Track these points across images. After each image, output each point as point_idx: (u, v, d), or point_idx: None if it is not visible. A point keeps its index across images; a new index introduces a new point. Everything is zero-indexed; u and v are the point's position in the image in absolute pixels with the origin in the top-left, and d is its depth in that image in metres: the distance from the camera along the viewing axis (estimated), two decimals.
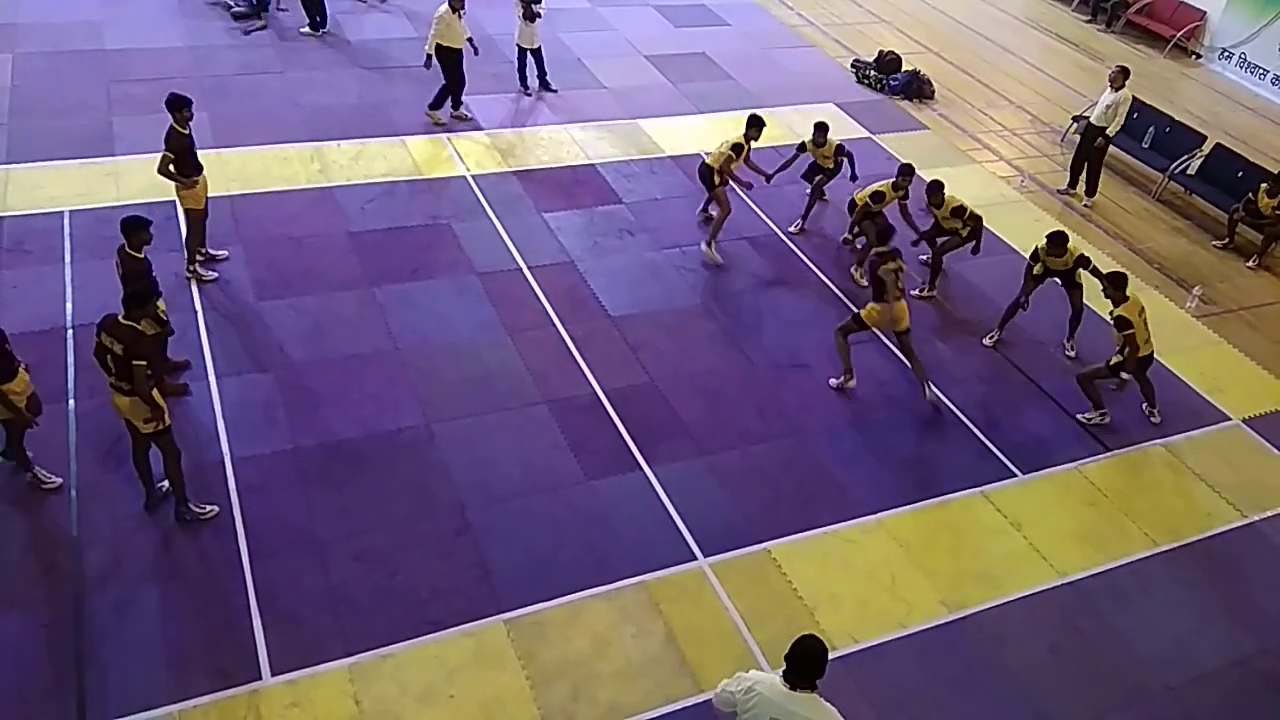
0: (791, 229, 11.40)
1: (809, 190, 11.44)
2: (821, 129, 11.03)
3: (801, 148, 11.17)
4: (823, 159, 11.22)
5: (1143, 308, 8.72)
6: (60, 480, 7.26)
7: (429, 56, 12.20)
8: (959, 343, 9.94)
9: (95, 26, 13.90)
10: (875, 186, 10.39)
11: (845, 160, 11.22)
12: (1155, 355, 8.89)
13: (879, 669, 6.73)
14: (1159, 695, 6.82)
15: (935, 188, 10.14)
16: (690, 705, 6.32)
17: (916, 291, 10.44)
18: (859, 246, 10.80)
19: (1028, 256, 9.66)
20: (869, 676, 6.66)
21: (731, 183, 10.70)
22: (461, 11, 12.11)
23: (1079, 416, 9.14)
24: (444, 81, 12.46)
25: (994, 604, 7.29)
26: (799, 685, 4.46)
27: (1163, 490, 8.52)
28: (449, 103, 12.66)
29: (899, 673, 6.72)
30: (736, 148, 10.42)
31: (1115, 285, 8.62)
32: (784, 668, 4.50)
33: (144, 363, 6.47)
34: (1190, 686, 6.90)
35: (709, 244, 10.69)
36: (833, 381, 9.12)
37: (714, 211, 10.89)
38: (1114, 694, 6.79)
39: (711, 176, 10.52)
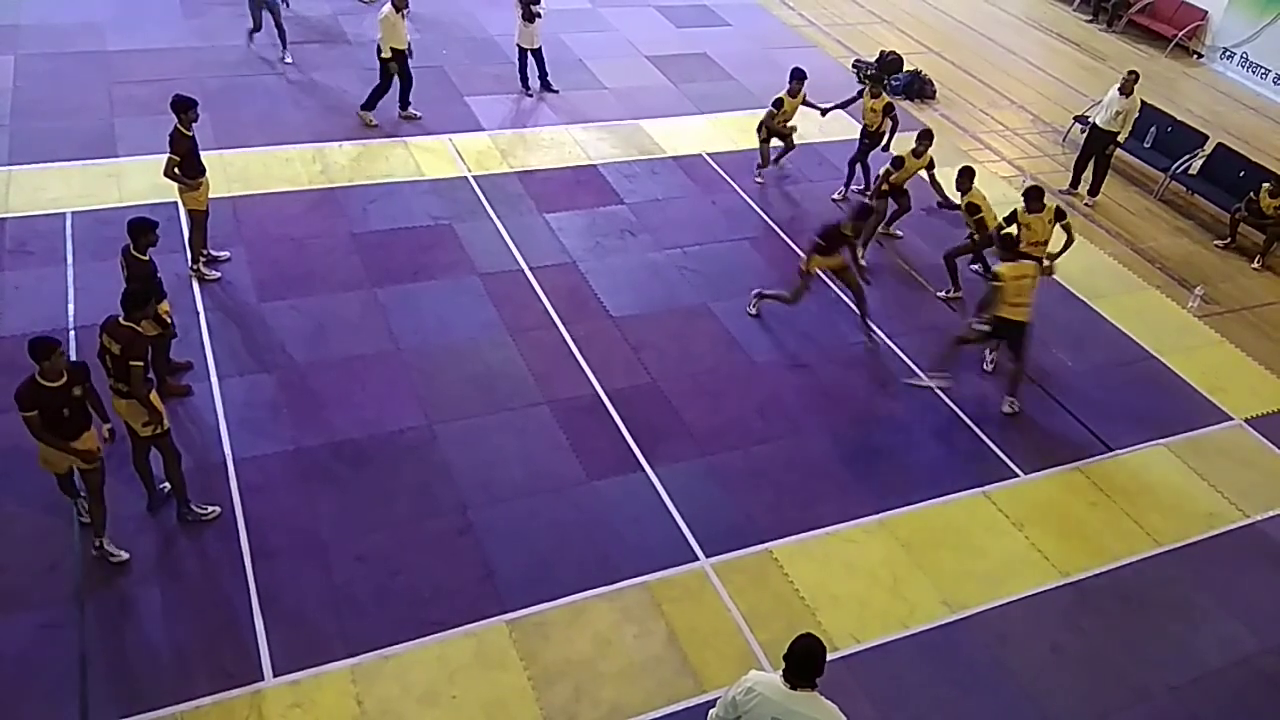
0: (835, 195, 11.94)
1: (851, 157, 11.96)
2: (878, 80, 11.65)
3: (861, 93, 11.72)
4: (870, 111, 11.58)
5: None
6: (128, 554, 6.83)
7: (386, 61, 11.99)
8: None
9: (97, 28, 13.91)
10: (894, 153, 10.77)
11: (890, 123, 11.58)
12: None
13: (881, 669, 6.73)
14: (1161, 695, 6.81)
15: (963, 173, 10.16)
16: (692, 705, 6.31)
17: (943, 294, 10.49)
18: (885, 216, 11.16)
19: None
20: (871, 676, 6.65)
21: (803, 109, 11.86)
22: (406, 11, 11.96)
23: (910, 381, 9.25)
24: (379, 82, 12.26)
25: (996, 604, 7.29)
26: (799, 684, 4.46)
27: (1165, 490, 8.52)
28: (381, 102, 12.44)
29: (901, 673, 6.71)
30: (777, 102, 11.60)
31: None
32: (783, 667, 4.50)
33: (141, 364, 6.46)
34: (1192, 686, 6.89)
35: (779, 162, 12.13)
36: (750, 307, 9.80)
37: (787, 161, 12.27)
38: (1116, 694, 6.78)
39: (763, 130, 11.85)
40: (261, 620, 6.54)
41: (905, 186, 10.81)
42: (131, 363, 6.43)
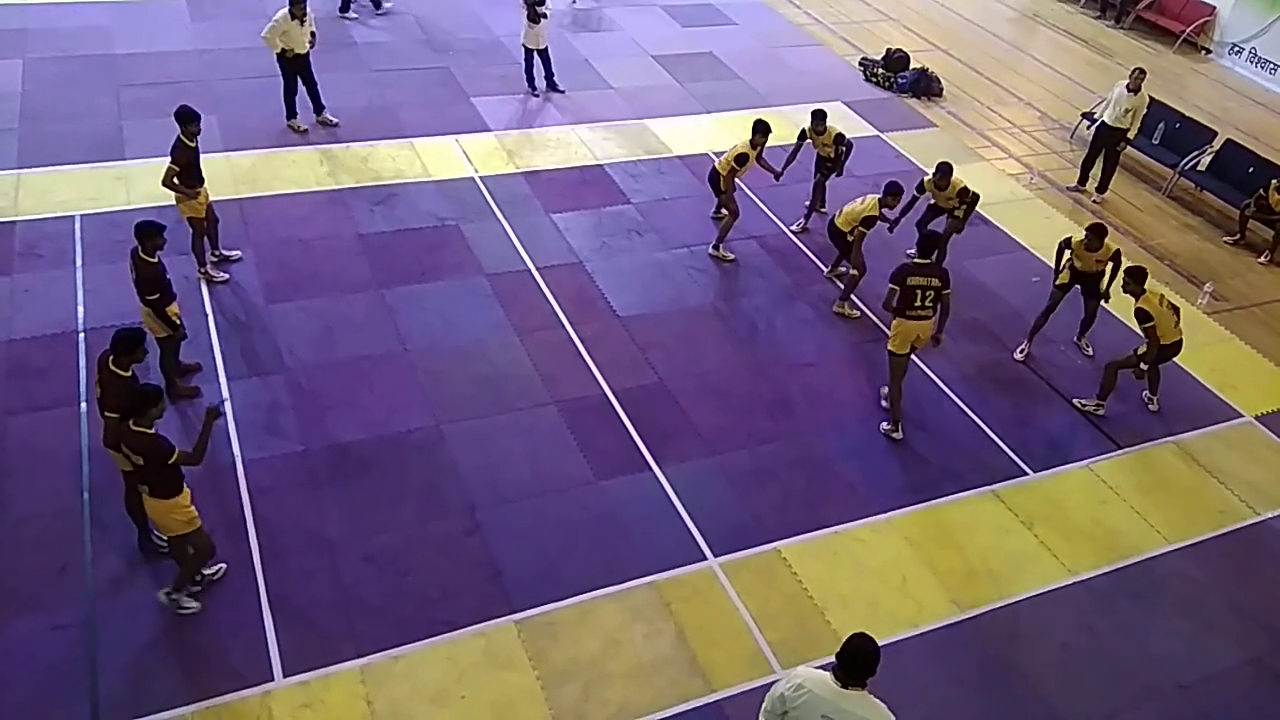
0: (794, 228, 11.39)
1: (811, 187, 11.38)
2: (819, 116, 10.83)
3: (802, 136, 11.01)
4: (823, 147, 11.03)
5: (1162, 296, 8.90)
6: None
7: (277, 56, 11.70)
8: (968, 341, 9.91)
9: (105, 31, 13.96)
10: (863, 210, 9.66)
11: (844, 150, 10.99)
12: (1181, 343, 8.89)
13: (890, 668, 6.61)
14: (1171, 694, 6.79)
15: (945, 170, 10.06)
16: (701, 705, 6.32)
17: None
18: (846, 274, 10.19)
19: (1054, 255, 9.61)
20: (880, 676, 6.58)
21: (743, 184, 10.60)
22: (303, 18, 11.49)
23: (1075, 401, 9.22)
24: (286, 85, 11.93)
25: (1005, 603, 7.27)
26: (850, 683, 4.51)
27: (1175, 488, 8.49)
28: (305, 109, 12.20)
29: (910, 672, 6.70)
30: (741, 158, 10.27)
31: (1134, 279, 8.70)
32: (834, 665, 4.54)
33: (115, 416, 6.25)
34: (1203, 685, 6.87)
35: (717, 246, 10.71)
36: (884, 426, 8.73)
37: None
38: (1126, 692, 6.77)
39: (719, 182, 10.52)
40: (271, 621, 6.56)
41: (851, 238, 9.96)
42: (106, 413, 6.31)
